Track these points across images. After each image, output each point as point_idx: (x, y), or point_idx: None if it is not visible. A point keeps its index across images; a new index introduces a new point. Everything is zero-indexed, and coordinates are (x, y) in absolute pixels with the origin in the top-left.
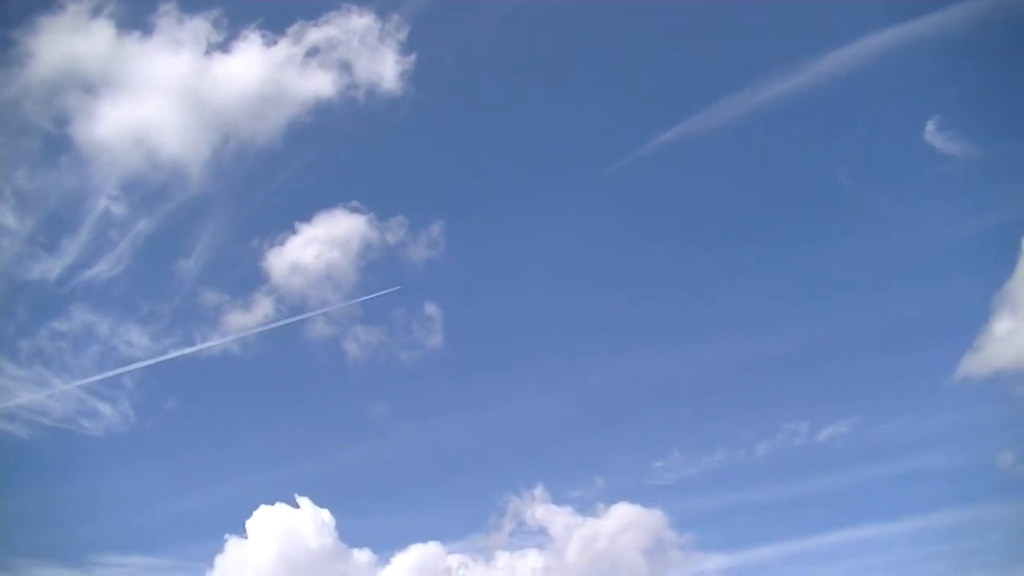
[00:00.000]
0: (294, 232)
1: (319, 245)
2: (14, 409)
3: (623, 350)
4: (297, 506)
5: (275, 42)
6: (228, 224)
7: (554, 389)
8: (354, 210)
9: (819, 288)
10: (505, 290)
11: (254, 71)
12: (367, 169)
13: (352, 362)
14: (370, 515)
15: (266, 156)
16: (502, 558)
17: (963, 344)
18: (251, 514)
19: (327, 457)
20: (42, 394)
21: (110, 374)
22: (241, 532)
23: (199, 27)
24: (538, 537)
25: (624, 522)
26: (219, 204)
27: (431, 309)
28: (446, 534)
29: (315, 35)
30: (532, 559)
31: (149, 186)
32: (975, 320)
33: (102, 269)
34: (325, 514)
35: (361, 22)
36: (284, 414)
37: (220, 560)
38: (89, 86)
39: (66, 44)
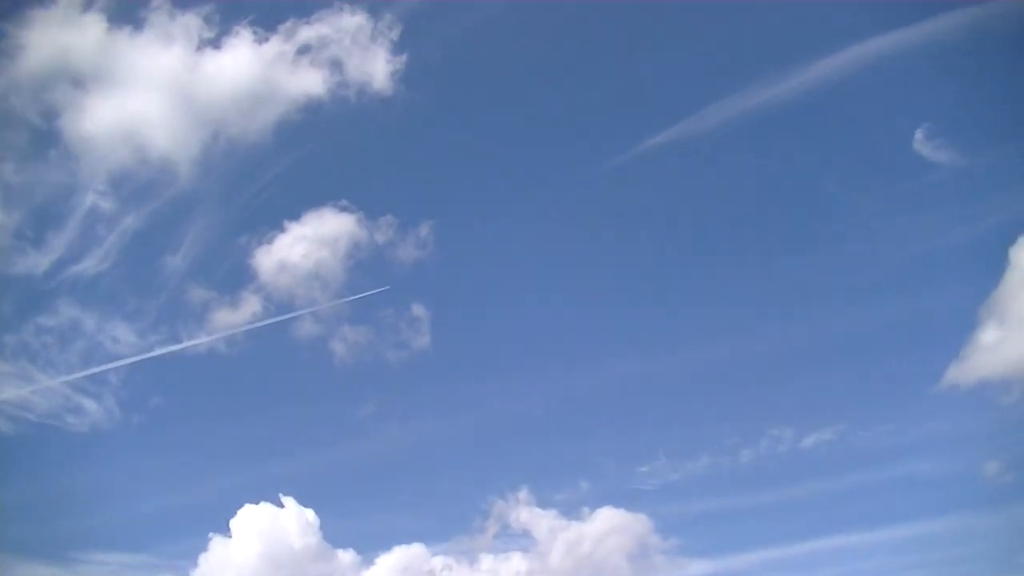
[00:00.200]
0: (282, 230)
1: (307, 244)
2: None
3: (609, 354)
4: (282, 505)
5: (266, 39)
6: (216, 221)
7: (540, 392)
8: (343, 209)
9: (806, 295)
10: (493, 292)
11: (245, 68)
12: (357, 168)
13: (339, 362)
14: (354, 515)
15: (255, 153)
16: (486, 560)
17: (950, 352)
18: (235, 513)
19: (312, 457)
20: (27, 389)
21: (96, 370)
22: (225, 531)
23: (190, 23)
24: (522, 540)
25: (609, 526)
26: (208, 201)
27: (419, 309)
28: (430, 536)
29: (307, 33)
30: (516, 562)
31: (137, 182)
32: (962, 328)
33: (89, 265)
34: (310, 514)
35: (353, 21)
36: (270, 413)
37: (204, 559)
38: (79, 80)
39: (56, 38)
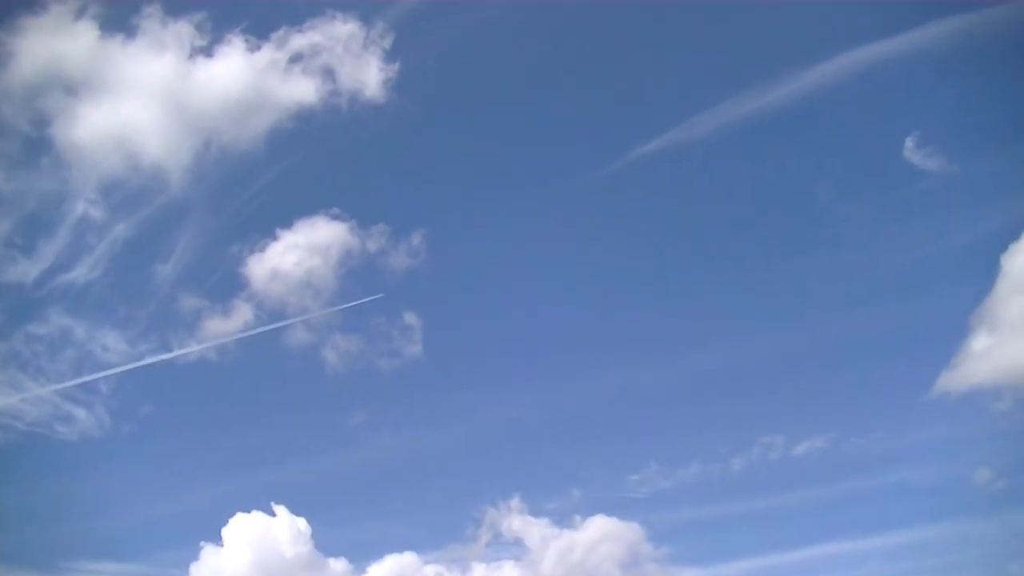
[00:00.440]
0: (274, 238)
1: (299, 252)
2: None
3: (601, 362)
4: (273, 514)
5: (259, 47)
6: (208, 229)
7: (532, 400)
8: (335, 217)
9: (797, 302)
10: (485, 300)
11: (237, 76)
12: (349, 176)
13: (331, 370)
14: (346, 524)
15: (247, 161)
16: (478, 569)
17: (941, 360)
18: (227, 521)
19: (304, 465)
20: (16, 398)
21: (86, 379)
22: (217, 540)
23: (183, 30)
24: (514, 548)
25: (601, 534)
26: (199, 209)
27: (411, 318)
28: (422, 544)
29: (299, 41)
30: (508, 570)
31: (129, 190)
32: (953, 336)
33: (79, 273)
34: (301, 522)
35: (345, 29)
36: (262, 422)
37: (195, 568)
38: (71, 88)
39: (48, 45)
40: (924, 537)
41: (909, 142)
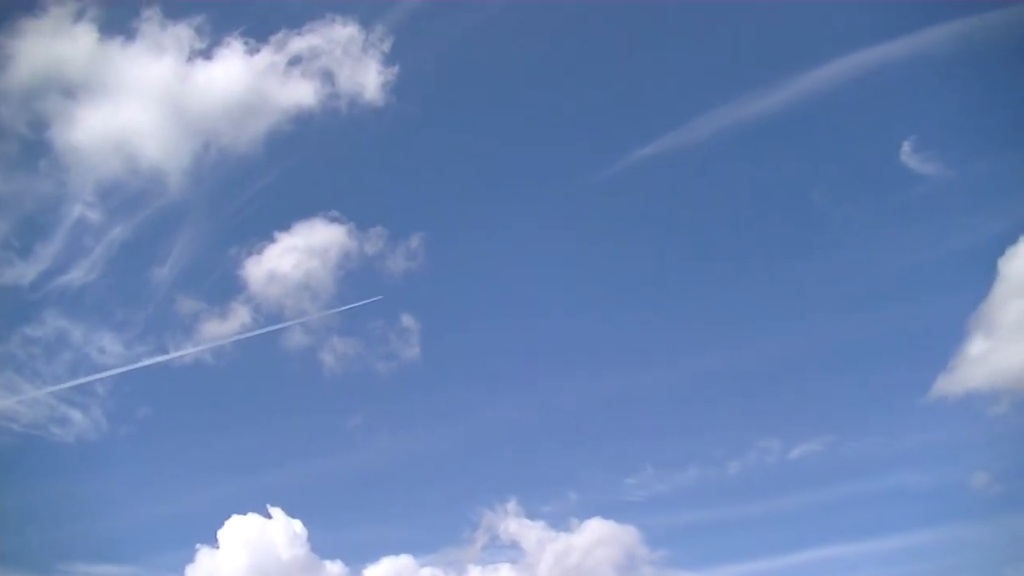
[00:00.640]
0: (273, 241)
1: (297, 254)
2: None
3: (598, 365)
4: (269, 516)
5: (258, 50)
6: (206, 231)
7: (528, 403)
8: (333, 220)
9: (794, 306)
10: (483, 303)
11: (236, 78)
12: (347, 179)
13: (328, 372)
14: (342, 527)
15: (246, 164)
16: (474, 572)
17: (938, 363)
18: (223, 524)
19: (300, 468)
20: (13, 400)
21: (83, 381)
22: (212, 542)
23: (182, 33)
24: (510, 551)
25: (597, 537)
26: (197, 211)
27: (408, 320)
28: (418, 547)
29: (298, 44)
30: (505, 573)
31: (127, 192)
32: (950, 340)
33: (76, 275)
34: (297, 525)
35: (345, 32)
36: (258, 424)
37: (191, 570)
38: (69, 90)
39: (47, 48)
40: (921, 541)
41: (906, 146)
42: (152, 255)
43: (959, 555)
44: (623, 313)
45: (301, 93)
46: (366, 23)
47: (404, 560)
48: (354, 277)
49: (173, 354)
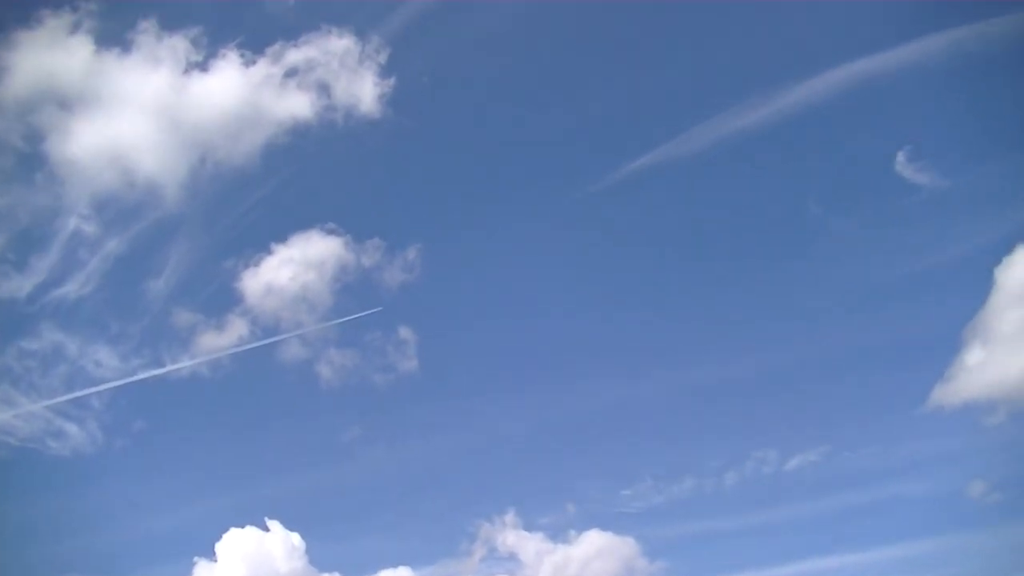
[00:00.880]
0: (269, 253)
1: (294, 266)
2: None
3: (595, 376)
4: (267, 529)
5: (254, 62)
6: (202, 244)
7: (526, 414)
8: (330, 232)
9: (789, 317)
10: (480, 315)
11: (232, 91)
12: (344, 191)
13: (325, 385)
14: (340, 539)
15: (242, 176)
16: None
17: (935, 373)
18: (221, 537)
19: (298, 480)
20: (8, 414)
21: (78, 394)
22: (211, 555)
23: (178, 45)
24: (508, 563)
25: (595, 549)
26: (193, 224)
27: (405, 332)
28: (416, 559)
29: (294, 56)
30: None
31: (122, 205)
32: (947, 349)
33: (72, 288)
34: (295, 537)
35: (341, 44)
36: (255, 437)
37: None
38: (65, 102)
39: (42, 60)
40: (918, 551)
41: (901, 156)
42: (148, 268)
43: (957, 565)
44: (620, 324)
45: (297, 105)
46: (362, 35)
47: (402, 572)
48: (351, 289)
49: (170, 367)
